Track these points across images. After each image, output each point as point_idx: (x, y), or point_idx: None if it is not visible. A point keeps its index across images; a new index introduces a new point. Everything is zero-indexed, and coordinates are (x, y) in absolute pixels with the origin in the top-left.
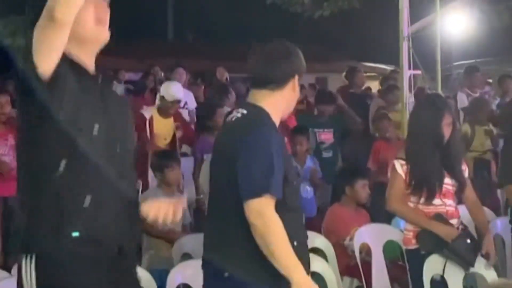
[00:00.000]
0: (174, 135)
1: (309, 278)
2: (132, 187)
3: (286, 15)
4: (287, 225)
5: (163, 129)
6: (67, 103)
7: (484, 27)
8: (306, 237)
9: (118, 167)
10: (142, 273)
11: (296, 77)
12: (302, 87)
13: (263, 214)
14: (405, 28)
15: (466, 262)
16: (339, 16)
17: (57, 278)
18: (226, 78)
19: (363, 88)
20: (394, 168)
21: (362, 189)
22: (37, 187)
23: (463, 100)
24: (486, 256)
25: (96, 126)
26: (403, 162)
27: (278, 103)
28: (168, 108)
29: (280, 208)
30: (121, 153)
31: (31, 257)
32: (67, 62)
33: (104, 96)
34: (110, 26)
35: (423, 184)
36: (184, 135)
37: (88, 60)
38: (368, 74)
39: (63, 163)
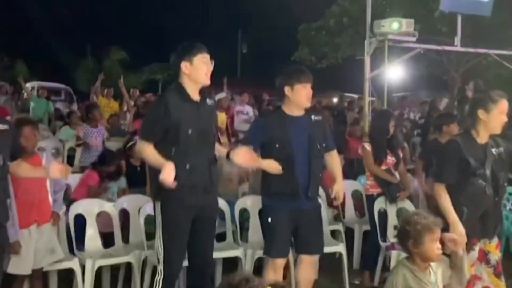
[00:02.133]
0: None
1: None
2: (212, 155)
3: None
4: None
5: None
6: (174, 118)
7: (411, 73)
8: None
9: (206, 147)
10: (221, 201)
11: (287, 87)
12: None
13: None
14: (367, 73)
15: (395, 199)
16: (330, 68)
17: (175, 200)
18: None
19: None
20: (364, 147)
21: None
22: None
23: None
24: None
25: (190, 130)
26: (368, 144)
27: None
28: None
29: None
30: (209, 140)
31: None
32: (180, 90)
33: (200, 111)
34: None
35: (378, 156)
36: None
37: (194, 91)
38: (348, 99)
39: (173, 149)
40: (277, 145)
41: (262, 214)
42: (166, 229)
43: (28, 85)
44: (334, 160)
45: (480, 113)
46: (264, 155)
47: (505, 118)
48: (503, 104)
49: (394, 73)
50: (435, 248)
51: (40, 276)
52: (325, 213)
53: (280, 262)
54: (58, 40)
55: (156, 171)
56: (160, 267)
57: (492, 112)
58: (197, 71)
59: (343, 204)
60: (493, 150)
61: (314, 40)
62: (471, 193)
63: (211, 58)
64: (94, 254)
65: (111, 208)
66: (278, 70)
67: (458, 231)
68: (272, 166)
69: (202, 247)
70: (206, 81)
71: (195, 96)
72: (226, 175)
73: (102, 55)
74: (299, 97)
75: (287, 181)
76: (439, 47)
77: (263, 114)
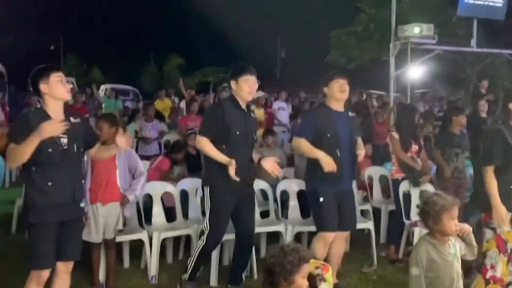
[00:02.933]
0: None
1: None
2: (250, 153)
3: (332, 67)
4: None
5: None
6: (226, 122)
7: (431, 72)
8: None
9: (247, 146)
10: (264, 184)
11: (325, 87)
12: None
13: None
14: (392, 72)
15: (418, 184)
16: (359, 68)
17: (221, 188)
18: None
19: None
20: (393, 136)
21: (368, 149)
22: None
23: (420, 108)
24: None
25: (237, 131)
26: (396, 133)
27: None
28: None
29: None
30: (250, 141)
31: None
32: (235, 101)
33: (245, 117)
34: None
35: (404, 145)
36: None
37: (242, 102)
38: (374, 95)
39: (224, 146)
40: (328, 135)
41: (310, 196)
42: (212, 210)
43: (102, 87)
44: (360, 143)
45: (511, 105)
46: (316, 144)
47: None
48: None
49: (416, 72)
50: (452, 225)
51: (112, 245)
52: (356, 194)
53: (331, 236)
54: (126, 49)
55: (207, 161)
56: (204, 237)
57: None
58: (240, 89)
59: (371, 187)
60: None
61: (345, 44)
62: None
63: (258, 78)
64: (160, 228)
65: (173, 189)
66: (312, 71)
67: (499, 213)
68: (326, 160)
69: (246, 224)
70: (248, 98)
71: (243, 106)
72: None
73: (162, 61)
74: (333, 92)
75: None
76: (456, 48)
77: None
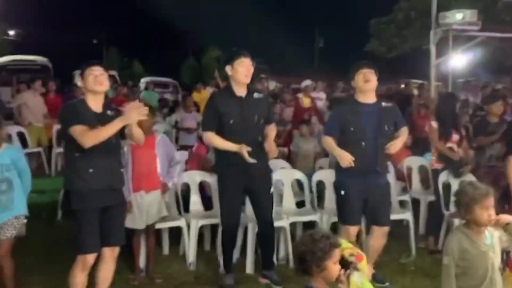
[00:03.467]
0: None
1: None
2: (257, 137)
3: (372, 57)
4: None
5: None
6: (221, 112)
7: (474, 60)
8: None
9: (249, 131)
10: (300, 174)
11: (352, 81)
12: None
13: None
14: (433, 60)
15: (458, 174)
16: (399, 57)
17: (227, 175)
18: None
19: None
20: (431, 125)
21: (408, 139)
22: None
23: (461, 96)
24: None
25: (232, 120)
26: (435, 123)
27: None
28: None
29: None
30: (252, 126)
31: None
32: (229, 89)
33: (242, 103)
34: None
35: (445, 134)
36: None
37: (239, 88)
38: (414, 85)
39: (223, 134)
40: (352, 129)
41: (334, 189)
42: (221, 195)
43: (142, 80)
44: (402, 133)
45: None
46: (341, 139)
47: None
48: None
49: (458, 60)
50: (485, 214)
51: (153, 231)
52: (394, 185)
53: (353, 229)
54: (166, 42)
55: (214, 150)
56: (221, 222)
57: None
58: (236, 72)
59: (410, 177)
60: None
61: (384, 32)
62: None
63: (252, 60)
64: (197, 216)
65: (209, 178)
66: (351, 61)
67: None
68: (342, 155)
69: (262, 207)
70: (245, 80)
71: (239, 93)
72: (303, 151)
73: (201, 53)
74: (358, 83)
75: (358, 160)
76: (502, 35)
77: (336, 102)
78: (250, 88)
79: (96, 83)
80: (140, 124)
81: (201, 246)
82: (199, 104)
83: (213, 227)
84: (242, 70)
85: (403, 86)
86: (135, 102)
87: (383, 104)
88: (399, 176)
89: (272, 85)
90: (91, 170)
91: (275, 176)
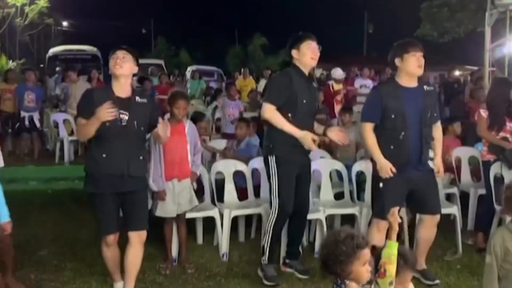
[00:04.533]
0: None
1: None
2: (312, 122)
3: (422, 42)
4: None
5: None
6: (294, 90)
7: None
8: None
9: (311, 115)
10: (339, 164)
11: (397, 59)
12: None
13: None
14: (488, 44)
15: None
16: (452, 42)
17: (287, 156)
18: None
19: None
20: (480, 114)
21: (457, 127)
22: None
23: None
24: None
25: (304, 100)
26: (485, 111)
27: None
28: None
29: None
30: (313, 110)
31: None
32: (297, 70)
33: (309, 85)
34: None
35: (496, 122)
36: None
37: (305, 70)
38: (467, 71)
39: (290, 115)
40: (392, 116)
41: (373, 180)
42: (280, 179)
43: (188, 68)
44: (437, 133)
45: None
46: (379, 127)
47: None
48: None
49: None
50: None
51: (183, 220)
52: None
53: (385, 223)
54: (212, 32)
55: (271, 129)
56: (274, 209)
57: None
58: (303, 55)
59: (459, 169)
60: None
61: (436, 16)
62: None
63: (318, 43)
64: (231, 206)
65: (244, 167)
66: None
67: None
68: (384, 167)
69: (303, 196)
70: (312, 63)
71: (306, 75)
72: None
73: (246, 41)
74: (408, 66)
75: (399, 151)
76: None
77: (376, 87)
78: (312, 74)
79: (115, 66)
80: (175, 110)
81: (235, 238)
82: (242, 91)
83: (248, 219)
84: (309, 53)
85: (456, 73)
86: (106, 103)
87: (426, 87)
88: (447, 168)
89: (318, 72)
90: (104, 155)
91: (313, 166)
